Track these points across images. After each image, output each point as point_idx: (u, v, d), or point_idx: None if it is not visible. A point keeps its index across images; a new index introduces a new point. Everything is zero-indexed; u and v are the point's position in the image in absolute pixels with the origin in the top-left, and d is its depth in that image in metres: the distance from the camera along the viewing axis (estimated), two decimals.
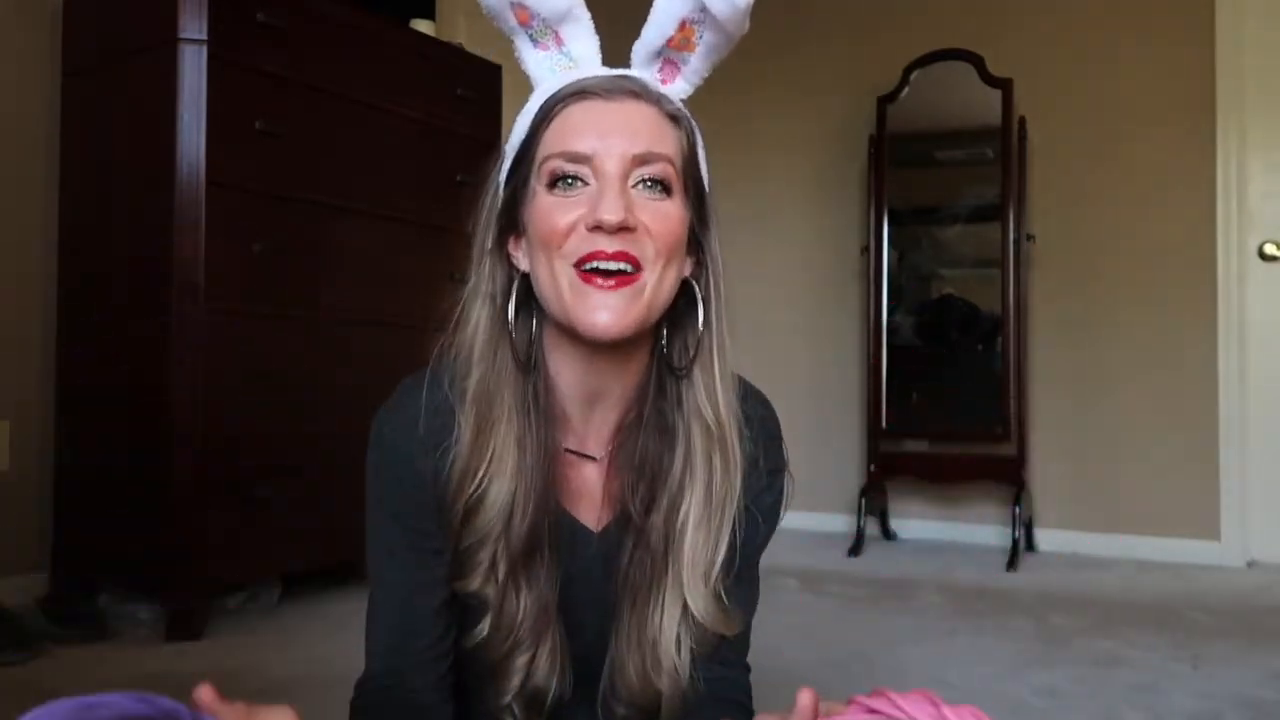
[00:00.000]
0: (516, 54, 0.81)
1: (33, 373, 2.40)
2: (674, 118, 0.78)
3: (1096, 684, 1.88)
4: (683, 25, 0.76)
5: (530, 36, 0.79)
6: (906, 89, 3.48)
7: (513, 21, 0.78)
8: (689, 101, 0.82)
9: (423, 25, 2.80)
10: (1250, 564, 3.15)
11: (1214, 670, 1.97)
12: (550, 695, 0.79)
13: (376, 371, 2.48)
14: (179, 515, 2.09)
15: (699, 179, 0.79)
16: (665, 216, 0.74)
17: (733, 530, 0.79)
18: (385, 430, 0.81)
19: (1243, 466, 3.17)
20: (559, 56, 0.79)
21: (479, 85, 2.81)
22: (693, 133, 0.79)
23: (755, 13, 0.76)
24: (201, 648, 2.04)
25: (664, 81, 0.80)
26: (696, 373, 0.79)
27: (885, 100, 3.50)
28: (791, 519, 3.51)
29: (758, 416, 0.84)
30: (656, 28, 0.77)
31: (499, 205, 0.81)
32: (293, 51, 2.32)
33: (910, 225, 3.59)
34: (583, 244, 0.73)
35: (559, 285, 0.74)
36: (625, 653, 0.79)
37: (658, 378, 0.81)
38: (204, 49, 2.13)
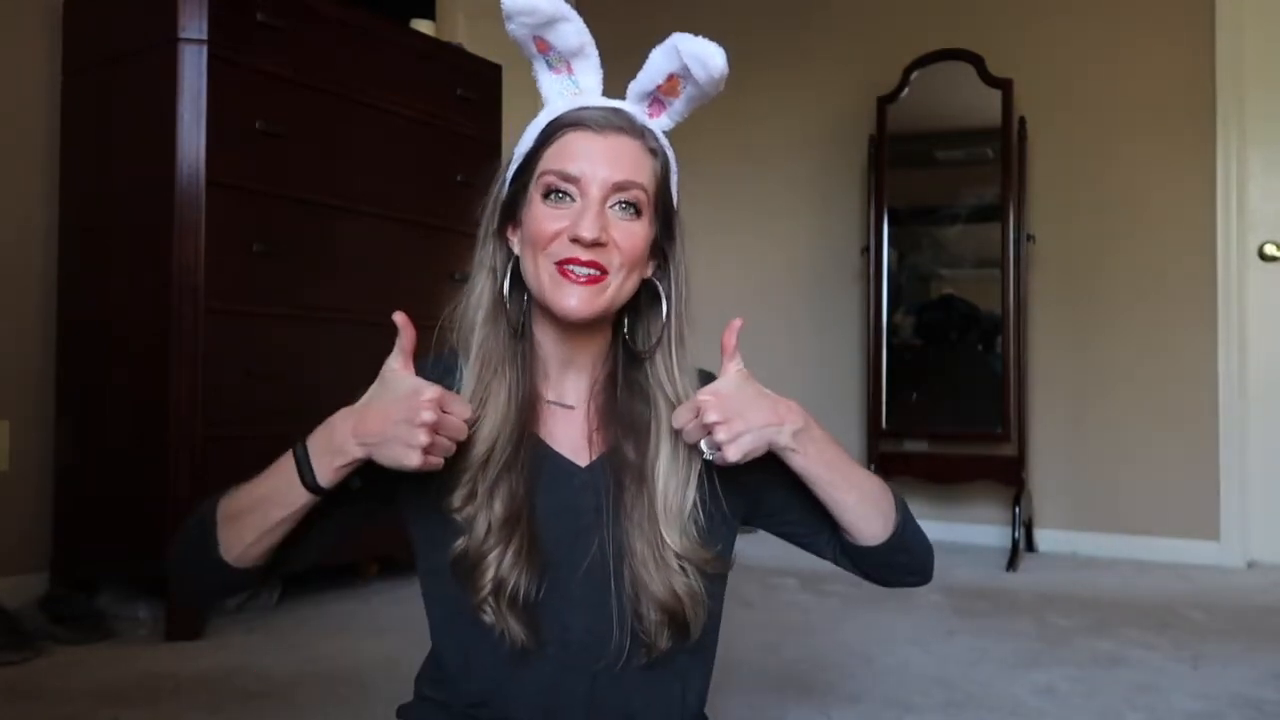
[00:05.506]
0: (534, 74, 0.96)
1: (33, 373, 2.40)
2: (653, 151, 0.94)
3: (1096, 684, 1.88)
4: (670, 78, 0.93)
5: (547, 62, 0.95)
6: (906, 89, 3.48)
7: (533, 49, 0.94)
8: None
9: (423, 25, 2.80)
10: (1250, 564, 3.15)
11: (1214, 670, 1.97)
12: (511, 586, 0.89)
13: (376, 372, 2.48)
14: (179, 515, 2.08)
15: (668, 201, 0.96)
16: (632, 234, 0.91)
17: (700, 484, 0.94)
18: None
19: (1243, 466, 3.17)
20: (568, 82, 0.95)
21: (479, 85, 2.81)
22: (667, 163, 0.96)
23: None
24: (201, 648, 2.04)
25: (651, 115, 0.96)
26: (659, 357, 0.97)
27: (885, 100, 3.50)
28: None
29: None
30: (649, 76, 0.94)
31: (503, 197, 0.97)
32: (293, 51, 2.32)
33: (910, 225, 3.59)
34: (563, 249, 0.90)
35: (540, 276, 0.91)
36: (645, 573, 0.92)
37: (627, 354, 0.98)
38: (204, 49, 2.13)
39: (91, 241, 2.34)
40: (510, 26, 0.91)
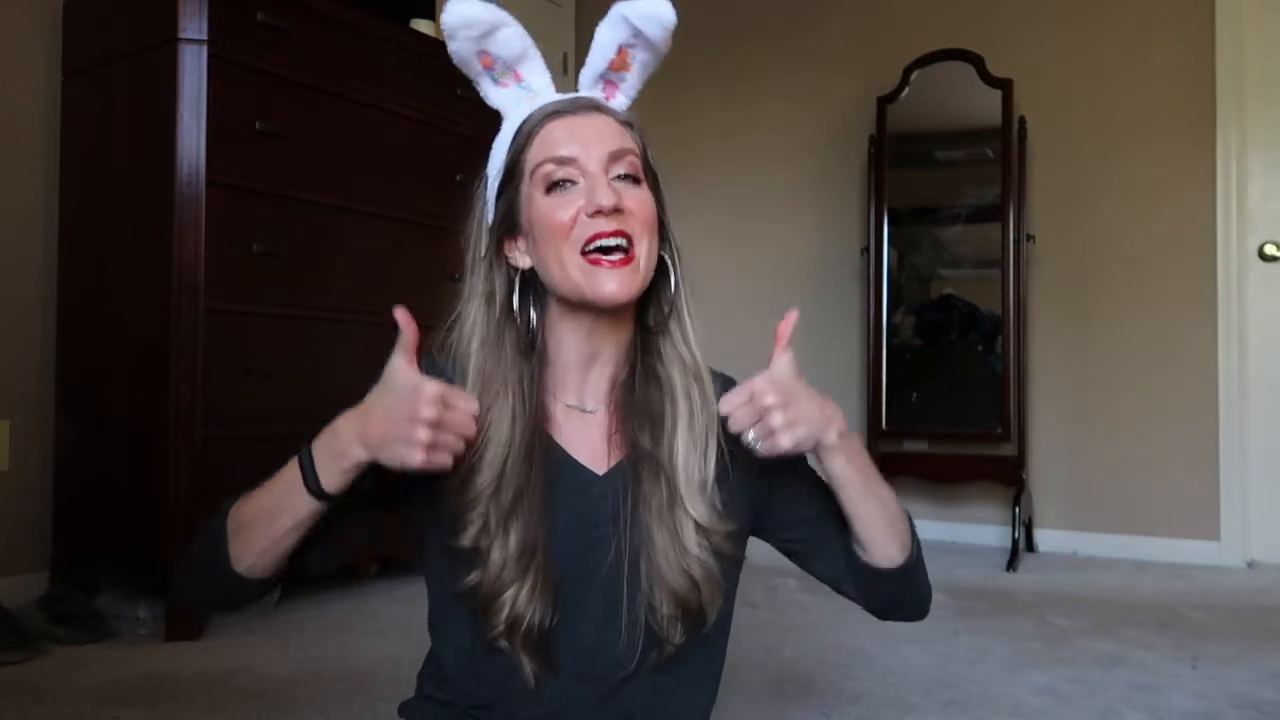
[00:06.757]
0: (481, 94, 0.96)
1: (33, 373, 2.40)
2: (627, 124, 0.94)
3: (1096, 684, 1.88)
4: (620, 50, 0.93)
5: (492, 78, 0.95)
6: (906, 89, 3.48)
7: (478, 66, 0.93)
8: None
9: (423, 25, 2.80)
10: (1250, 564, 3.15)
11: (1214, 670, 1.97)
12: (527, 622, 0.87)
13: (376, 372, 2.48)
14: (178, 515, 2.09)
15: (654, 172, 0.95)
16: (642, 201, 0.91)
17: (719, 456, 0.93)
18: None
19: (1243, 466, 3.17)
20: (519, 91, 0.95)
21: None
22: (642, 135, 0.95)
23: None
24: (201, 648, 2.04)
25: (607, 99, 0.96)
26: (672, 326, 0.96)
27: (885, 100, 3.50)
28: None
29: (722, 381, 0.99)
30: (599, 53, 0.94)
31: (493, 217, 0.94)
32: (293, 51, 2.32)
33: (910, 225, 3.59)
34: (585, 229, 0.88)
35: (569, 270, 0.88)
36: (663, 563, 0.90)
37: (642, 340, 0.97)
38: (204, 49, 2.13)
39: (91, 241, 2.34)
40: (453, 46, 0.91)
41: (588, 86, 0.95)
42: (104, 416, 2.28)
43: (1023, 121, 3.35)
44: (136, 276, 2.22)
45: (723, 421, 0.90)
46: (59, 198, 2.43)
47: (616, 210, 0.87)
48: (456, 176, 2.66)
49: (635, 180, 0.91)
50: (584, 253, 0.88)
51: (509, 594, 0.86)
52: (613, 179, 0.89)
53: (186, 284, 2.11)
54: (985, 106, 3.34)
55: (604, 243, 0.88)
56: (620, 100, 0.96)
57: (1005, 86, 3.32)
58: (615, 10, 0.91)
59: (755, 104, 3.94)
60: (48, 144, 2.44)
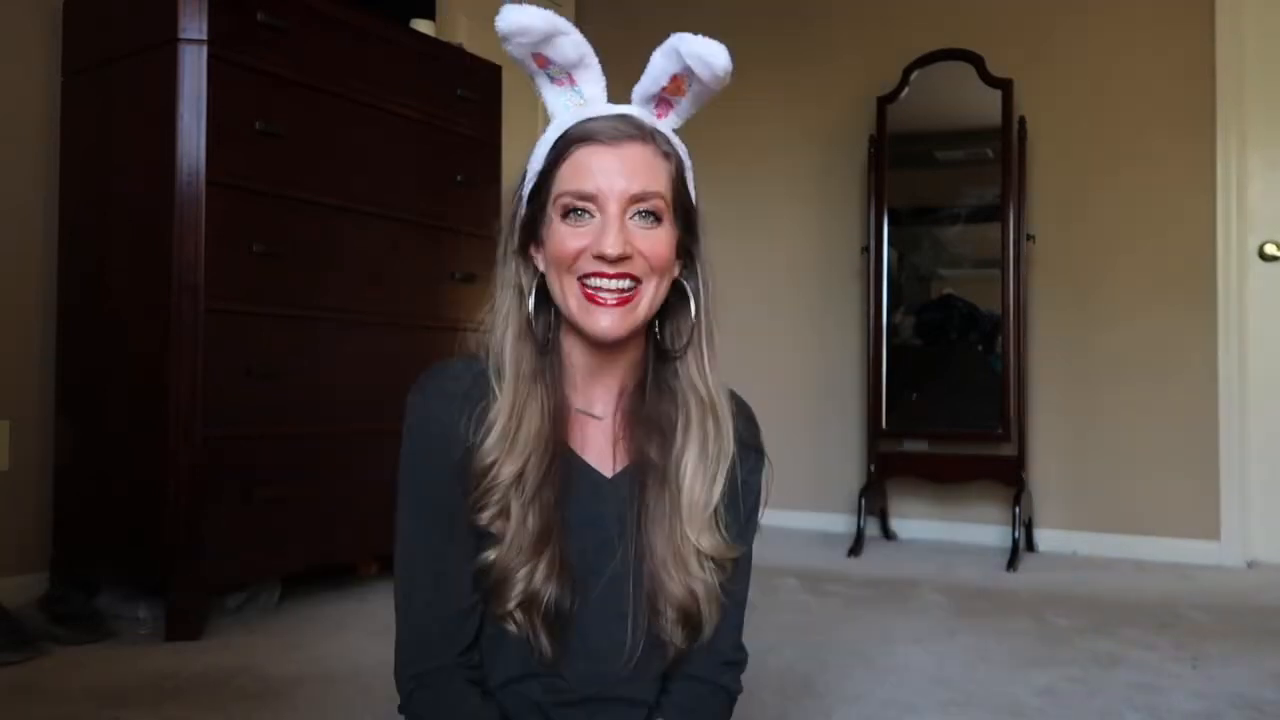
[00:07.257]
0: (536, 90, 0.96)
1: (33, 373, 2.40)
2: (666, 154, 0.93)
3: (1096, 684, 1.88)
4: (674, 78, 0.92)
5: (549, 75, 0.94)
6: (906, 89, 3.48)
7: (533, 66, 0.94)
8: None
9: (423, 25, 2.80)
10: (1250, 564, 3.15)
11: (1214, 670, 1.97)
12: (545, 599, 0.90)
13: (376, 371, 2.48)
14: (178, 515, 2.09)
15: (686, 201, 0.95)
16: (656, 241, 0.91)
17: (727, 482, 0.96)
18: (429, 389, 0.96)
19: (1243, 466, 3.17)
20: (572, 94, 0.95)
21: (479, 85, 2.81)
22: (681, 163, 0.95)
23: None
24: (201, 648, 2.04)
25: (659, 116, 0.95)
26: (689, 355, 0.97)
27: (885, 100, 3.50)
28: (791, 519, 3.51)
29: (743, 415, 1.02)
30: (652, 79, 0.93)
31: (523, 216, 0.96)
32: (293, 51, 2.32)
33: (910, 225, 3.59)
34: (588, 265, 0.90)
35: (567, 298, 0.91)
36: (664, 574, 0.93)
37: (656, 355, 0.98)
38: (204, 49, 2.13)
39: (91, 241, 2.34)
40: (507, 47, 0.91)
41: (640, 103, 0.95)
42: (104, 416, 2.28)
43: (1023, 121, 3.35)
44: (136, 276, 2.22)
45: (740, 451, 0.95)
46: (59, 198, 2.43)
47: (622, 258, 0.88)
48: (456, 176, 2.66)
49: (655, 219, 0.91)
50: (581, 279, 0.90)
51: (524, 572, 0.90)
52: (631, 217, 0.90)
53: (186, 284, 2.11)
54: (985, 106, 3.34)
55: (604, 284, 0.89)
56: (671, 120, 0.96)
57: (1005, 86, 3.32)
58: (671, 41, 0.91)
59: (755, 104, 3.94)
60: (48, 144, 2.44)
